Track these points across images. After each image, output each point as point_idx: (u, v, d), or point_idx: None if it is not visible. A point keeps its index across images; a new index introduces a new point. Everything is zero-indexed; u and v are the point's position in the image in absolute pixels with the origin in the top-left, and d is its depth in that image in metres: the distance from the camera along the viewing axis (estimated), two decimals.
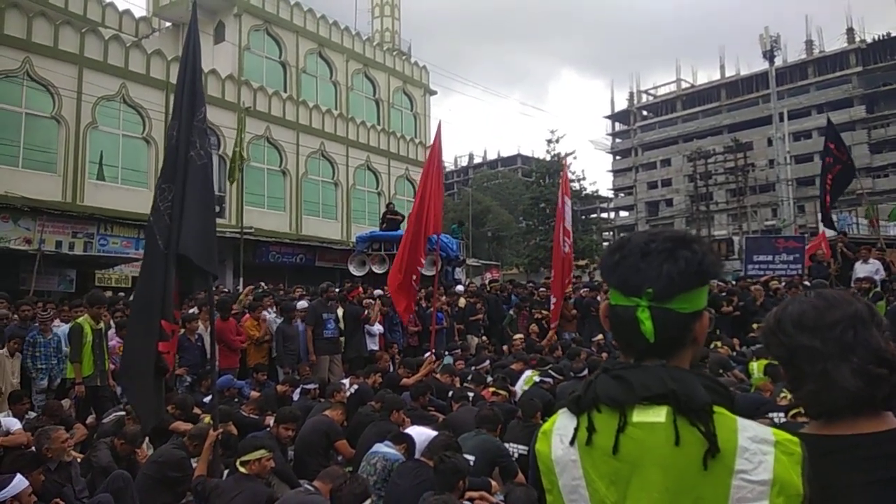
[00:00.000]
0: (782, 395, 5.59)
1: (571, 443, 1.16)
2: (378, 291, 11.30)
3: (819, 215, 12.72)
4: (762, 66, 40.60)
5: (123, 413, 6.16)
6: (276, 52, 24.26)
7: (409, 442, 4.70)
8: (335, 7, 29.02)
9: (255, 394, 7.47)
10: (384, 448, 4.59)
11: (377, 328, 9.71)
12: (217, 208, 20.69)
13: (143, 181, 19.32)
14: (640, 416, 1.11)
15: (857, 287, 9.54)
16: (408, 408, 5.92)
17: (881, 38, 53.65)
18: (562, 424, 1.20)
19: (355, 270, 13.85)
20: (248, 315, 9.12)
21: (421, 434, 4.75)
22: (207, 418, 4.75)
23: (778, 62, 39.04)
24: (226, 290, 14.83)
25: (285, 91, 23.92)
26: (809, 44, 57.81)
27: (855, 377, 1.16)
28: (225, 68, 21.88)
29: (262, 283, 13.26)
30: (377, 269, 13.72)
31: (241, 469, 3.98)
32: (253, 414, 6.08)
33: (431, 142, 30.01)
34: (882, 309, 8.05)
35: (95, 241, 17.09)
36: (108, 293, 11.61)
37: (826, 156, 11.80)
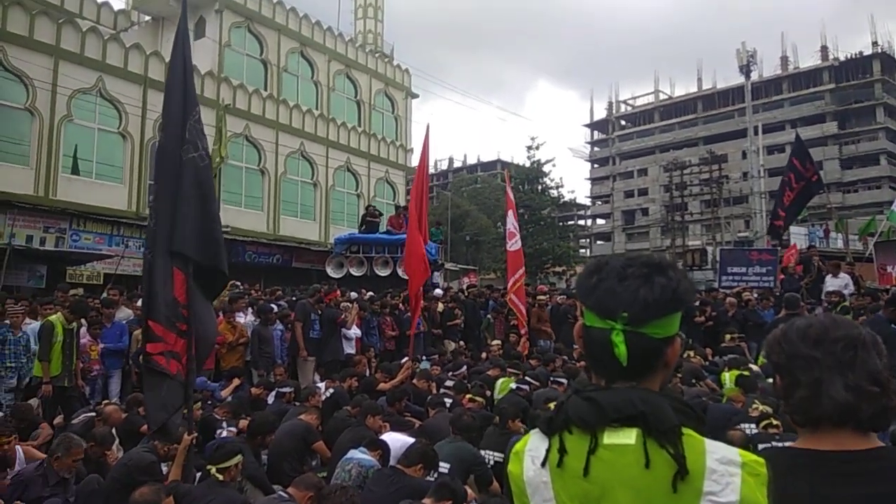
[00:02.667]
0: (754, 406, 5.68)
1: (543, 464, 1.18)
2: (354, 294, 11.26)
3: (773, 226, 12.96)
4: (738, 80, 41.34)
5: (93, 414, 6.05)
6: (257, 50, 24.06)
7: (383, 449, 4.69)
8: (318, 7, 28.94)
9: (225, 393, 7.41)
10: (359, 454, 4.57)
11: (354, 332, 9.66)
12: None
13: (118, 176, 19.01)
14: (610, 438, 1.13)
15: (826, 300, 9.74)
16: (384, 413, 5.90)
17: (854, 56, 55.01)
18: (534, 445, 1.22)
19: (333, 272, 13.78)
20: (220, 317, 9.01)
21: (396, 441, 4.75)
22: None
23: (754, 77, 39.77)
24: None
25: (265, 89, 23.73)
26: (784, 60, 59.03)
27: (847, 391, 1.19)
28: (205, 65, 21.62)
29: (238, 283, 13.10)
30: (355, 272, 13.68)
31: (218, 476, 3.93)
32: (226, 417, 6.01)
33: (413, 145, 30.15)
34: None
35: (67, 237, 16.77)
36: (80, 290, 11.40)
37: (789, 171, 12.03)
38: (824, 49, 56.91)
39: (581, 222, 66.46)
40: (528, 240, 29.97)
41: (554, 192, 38.37)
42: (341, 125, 26.25)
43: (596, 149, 68.69)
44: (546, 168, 36.57)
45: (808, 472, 1.19)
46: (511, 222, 10.66)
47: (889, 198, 37.69)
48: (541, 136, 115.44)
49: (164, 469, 4.66)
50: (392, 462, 4.52)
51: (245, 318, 9.34)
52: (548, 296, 12.64)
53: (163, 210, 4.06)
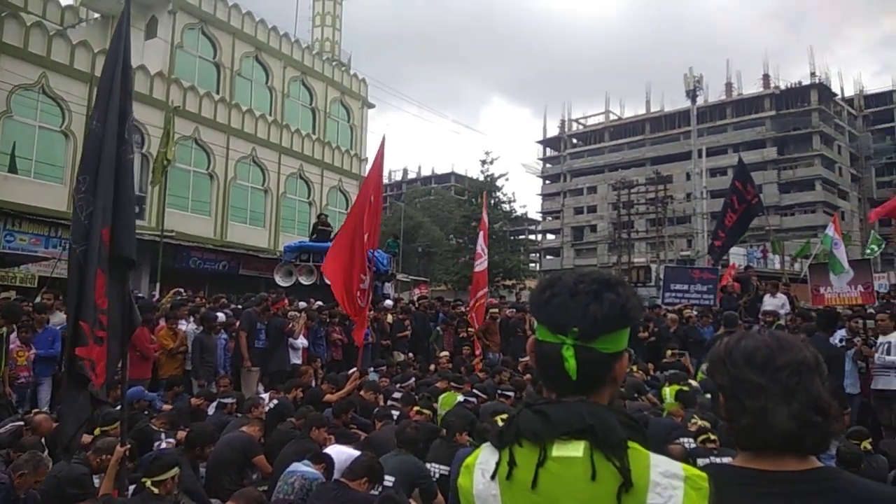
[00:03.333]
0: (693, 420, 5.84)
1: (492, 477, 1.18)
2: (303, 304, 11.10)
3: (711, 248, 13.42)
4: (685, 104, 42.81)
5: (21, 423, 5.77)
6: (211, 53, 23.62)
7: (328, 462, 4.62)
8: (275, 13, 28.67)
9: (168, 407, 7.15)
10: (303, 467, 4.48)
11: (301, 342, 9.52)
12: (136, 208, 19.83)
13: (59, 176, 18.30)
14: (559, 450, 1.14)
15: (763, 320, 10.11)
16: (329, 425, 5.81)
17: (793, 85, 57.81)
18: (484, 458, 1.22)
19: (281, 281, 13.57)
20: (163, 324, 8.75)
21: (341, 453, 4.69)
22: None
23: (699, 101, 41.26)
24: (141, 295, 14.18)
25: (217, 92, 23.29)
26: (729, 86, 61.52)
27: (791, 420, 1.21)
28: (155, 65, 21.10)
29: (181, 290, 12.74)
30: (304, 281, 13.50)
31: (153, 489, 3.79)
32: (164, 428, 5.82)
33: (368, 154, 30.09)
34: None
35: (1, 237, 16.02)
36: (12, 293, 10.90)
37: (732, 193, 12.46)
38: (766, 77, 59.62)
39: (532, 237, 67.32)
40: None
41: (506, 207, 38.76)
42: (295, 132, 25.96)
43: (548, 165, 69.89)
44: (499, 182, 36.92)
45: (747, 490, 1.22)
46: (480, 244, 10.84)
47: (823, 222, 39.61)
48: (494, 150, 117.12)
49: (97, 481, 4.47)
50: (336, 475, 4.45)
51: (187, 326, 9.10)
52: (498, 309, 12.73)
53: (99, 209, 3.86)
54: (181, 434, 5.65)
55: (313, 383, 8.31)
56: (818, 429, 1.21)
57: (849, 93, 65.16)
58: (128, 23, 4.24)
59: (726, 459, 4.85)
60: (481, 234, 11.00)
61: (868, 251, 18.95)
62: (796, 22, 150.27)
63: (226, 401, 6.85)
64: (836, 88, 60.89)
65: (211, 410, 6.88)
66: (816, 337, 7.05)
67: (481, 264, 10.65)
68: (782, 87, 58.13)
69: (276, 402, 6.89)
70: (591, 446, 1.12)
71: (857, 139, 62.82)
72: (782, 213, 54.77)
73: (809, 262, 14.03)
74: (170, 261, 18.83)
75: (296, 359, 9.36)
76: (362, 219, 8.33)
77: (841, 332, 8.13)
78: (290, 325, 9.31)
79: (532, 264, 59.57)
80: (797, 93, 57.31)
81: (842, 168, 59.65)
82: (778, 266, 31.52)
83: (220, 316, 9.44)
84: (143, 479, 3.92)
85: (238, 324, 9.16)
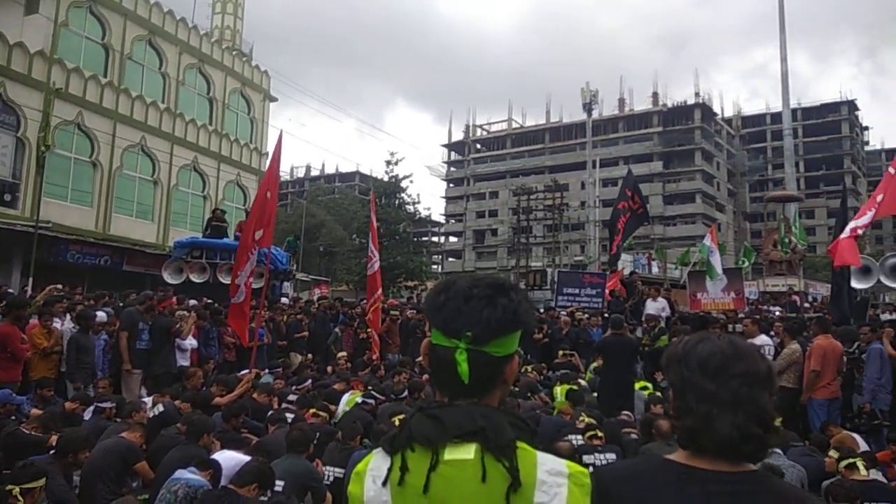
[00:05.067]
0: (581, 418, 6.12)
1: (384, 483, 1.18)
2: (193, 302, 10.61)
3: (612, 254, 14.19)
4: (582, 116, 44.79)
5: None
6: (99, 34, 22.04)
7: (215, 468, 4.44)
8: None
9: (36, 411, 6.59)
10: (188, 474, 4.27)
11: (190, 342, 9.06)
12: (8, 197, 18.20)
13: None
14: (451, 453, 1.16)
15: (646, 323, 10.74)
16: (218, 430, 5.58)
17: (679, 104, 61.91)
18: (375, 465, 1.22)
19: (170, 278, 12.88)
20: (35, 321, 8.08)
21: (230, 459, 4.52)
22: None
23: (595, 115, 43.31)
24: (10, 290, 13.01)
25: (105, 76, 21.77)
26: (622, 102, 65.01)
27: (732, 429, 1.23)
28: (35, 43, 19.41)
29: (58, 286, 11.81)
30: (196, 278, 12.91)
31: (19, 499, 3.49)
32: (36, 433, 5.36)
33: (269, 149, 29.10)
34: (665, 342, 9.16)
35: None
36: None
37: (621, 200, 13.20)
38: (655, 95, 63.48)
39: (434, 238, 67.95)
40: (383, 253, 30.04)
41: (410, 208, 38.88)
42: (190, 122, 24.72)
43: (452, 169, 70.80)
44: (404, 184, 36.96)
45: (681, 485, 1.25)
46: (370, 247, 10.73)
47: (702, 232, 42.57)
48: (399, 152, 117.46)
49: None
50: (224, 482, 4.28)
51: (63, 324, 8.45)
52: (399, 311, 12.74)
53: None
54: (54, 439, 5.24)
55: (202, 386, 7.94)
56: (757, 440, 1.24)
57: (728, 113, 70.73)
58: None
59: (610, 455, 5.14)
60: (370, 236, 10.95)
61: (741, 261, 20.60)
62: (678, 48, 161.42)
63: (104, 405, 6.41)
64: (717, 109, 65.86)
65: (87, 415, 6.43)
66: None
67: (372, 267, 10.60)
68: (669, 105, 62.12)
69: (160, 406, 6.53)
70: (482, 448, 1.15)
71: (734, 157, 68.26)
72: (666, 224, 58.52)
73: (689, 270, 15.08)
74: (45, 254, 17.41)
75: (183, 360, 8.89)
76: (258, 215, 8.12)
77: None
78: (178, 325, 8.85)
79: (434, 266, 60.11)
80: (682, 111, 61.46)
81: (720, 183, 64.56)
82: (658, 272, 33.56)
83: (101, 314, 8.83)
84: (10, 487, 3.61)
85: (118, 323, 8.60)
